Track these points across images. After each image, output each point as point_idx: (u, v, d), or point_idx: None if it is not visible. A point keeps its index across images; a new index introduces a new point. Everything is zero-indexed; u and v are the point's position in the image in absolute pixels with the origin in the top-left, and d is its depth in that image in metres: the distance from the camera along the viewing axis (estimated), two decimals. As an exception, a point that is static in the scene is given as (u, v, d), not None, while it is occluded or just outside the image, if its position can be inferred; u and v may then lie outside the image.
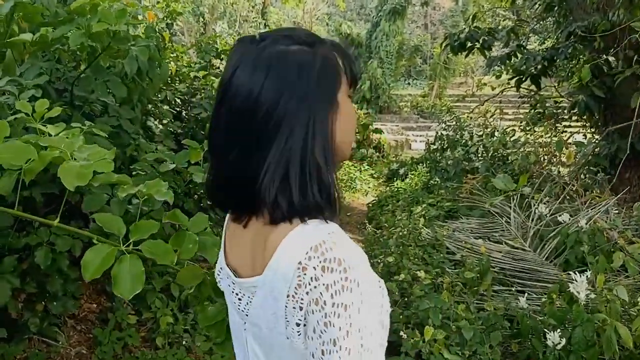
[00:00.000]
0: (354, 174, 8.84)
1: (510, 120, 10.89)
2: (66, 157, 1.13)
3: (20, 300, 1.94)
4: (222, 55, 4.22)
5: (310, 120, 0.75)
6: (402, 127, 19.23)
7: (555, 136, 7.62)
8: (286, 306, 0.74)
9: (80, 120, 1.81)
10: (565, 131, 7.87)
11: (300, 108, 0.75)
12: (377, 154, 11.46)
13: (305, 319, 0.73)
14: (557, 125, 7.75)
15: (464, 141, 8.76)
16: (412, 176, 8.02)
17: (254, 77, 0.75)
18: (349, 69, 0.82)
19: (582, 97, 5.87)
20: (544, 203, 4.94)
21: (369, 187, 8.68)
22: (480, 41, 6.77)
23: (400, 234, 4.10)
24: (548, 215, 4.73)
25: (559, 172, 6.53)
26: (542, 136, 7.74)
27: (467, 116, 9.90)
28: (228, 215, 0.92)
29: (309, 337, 0.73)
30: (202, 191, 3.10)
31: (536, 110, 8.27)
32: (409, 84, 26.77)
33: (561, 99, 7.91)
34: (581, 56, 6.80)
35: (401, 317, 2.90)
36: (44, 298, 1.89)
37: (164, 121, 3.27)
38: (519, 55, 6.76)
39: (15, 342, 1.92)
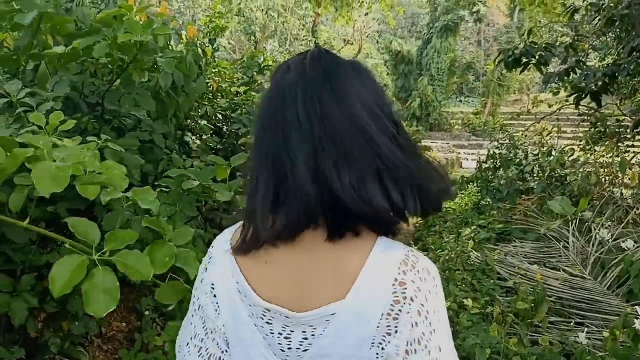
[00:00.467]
0: (401, 193, 8.60)
1: (568, 139, 10.39)
2: (42, 156, 1.04)
3: (40, 319, 1.90)
4: (265, 71, 4.19)
5: (393, 132, 0.77)
6: (453, 145, 18.88)
7: (617, 156, 7.24)
8: (378, 327, 0.74)
9: (108, 135, 1.76)
10: (628, 151, 7.49)
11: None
12: (427, 172, 11.14)
13: (397, 334, 0.74)
14: (619, 144, 7.38)
15: (518, 160, 8.40)
16: (462, 196, 7.72)
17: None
18: None
19: (646, 115, 5.56)
20: (606, 228, 4.58)
21: (417, 207, 8.41)
22: (537, 57, 6.55)
23: (448, 257, 3.88)
24: (610, 240, 4.37)
25: (622, 194, 6.12)
26: (603, 156, 7.32)
27: (522, 134, 9.53)
28: (236, 251, 0.82)
29: (410, 352, 0.74)
30: (240, 208, 2.98)
31: (597, 129, 7.92)
32: (460, 101, 26.34)
33: (624, 118, 7.56)
34: (644, 70, 6.45)
35: (446, 349, 2.69)
36: (65, 318, 1.83)
37: (204, 137, 3.23)
38: (578, 72, 6.46)
39: (36, 363, 1.88)
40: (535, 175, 7.35)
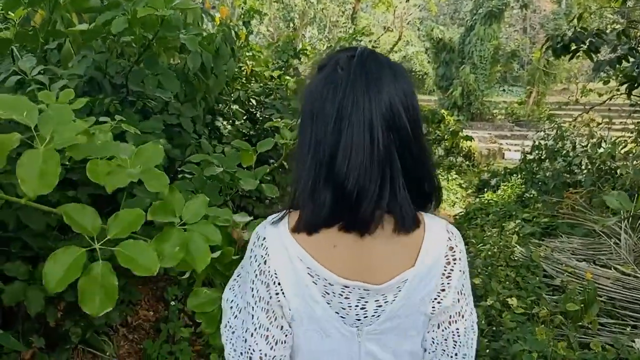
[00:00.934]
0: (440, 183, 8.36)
1: (617, 130, 9.88)
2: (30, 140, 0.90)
3: (60, 308, 1.84)
4: (301, 55, 4.04)
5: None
6: (495, 135, 18.37)
7: None
8: (436, 285, 0.89)
9: (131, 117, 1.66)
10: None
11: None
12: (467, 162, 10.84)
13: (450, 289, 0.90)
14: None
15: (565, 152, 8.02)
16: (505, 187, 7.42)
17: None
18: None
19: (703, 107, 5.22)
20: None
21: (457, 198, 8.16)
22: (587, 43, 6.28)
23: (490, 252, 3.67)
24: (668, 238, 4.06)
25: None
26: None
27: (571, 125, 9.12)
28: (284, 239, 0.89)
29: (455, 301, 0.91)
30: (273, 196, 2.88)
31: None
32: (504, 90, 25.51)
33: None
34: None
35: (488, 350, 2.51)
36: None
37: (237, 122, 3.13)
38: (631, 60, 6.13)
39: (57, 352, 1.82)
40: (583, 167, 6.98)
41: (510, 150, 16.96)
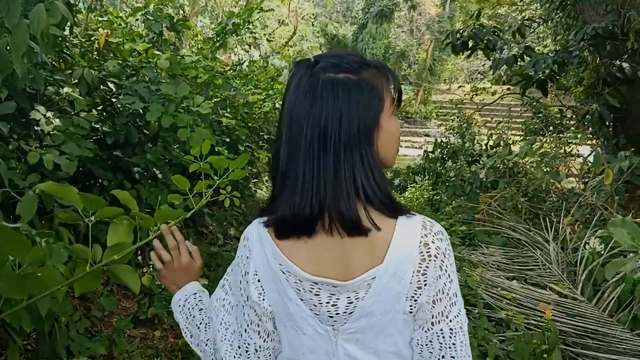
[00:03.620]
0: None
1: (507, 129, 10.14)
2: None
3: None
4: (179, 27, 3.02)
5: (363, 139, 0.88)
6: (387, 132, 18.55)
7: (560, 148, 7.00)
8: (410, 282, 0.87)
9: None
10: (571, 143, 7.25)
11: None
12: (367, 161, 10.42)
13: (426, 287, 0.87)
14: (560, 136, 7.00)
15: (464, 150, 7.81)
16: (412, 189, 6.95)
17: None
18: (395, 90, 0.94)
19: (595, 106, 5.29)
20: (595, 236, 3.84)
21: (362, 201, 7.56)
22: (485, 41, 6.20)
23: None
24: (604, 252, 3.66)
25: (583, 190, 5.69)
26: (562, 147, 6.92)
27: (463, 123, 9.10)
28: (263, 238, 0.93)
29: (437, 300, 0.88)
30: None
31: (539, 120, 7.79)
32: (393, 88, 26.18)
33: (566, 109, 7.37)
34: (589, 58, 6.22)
35: None
36: None
37: (82, 114, 2.09)
38: (527, 59, 6.13)
39: None
40: (485, 167, 6.76)
41: (402, 146, 17.13)
